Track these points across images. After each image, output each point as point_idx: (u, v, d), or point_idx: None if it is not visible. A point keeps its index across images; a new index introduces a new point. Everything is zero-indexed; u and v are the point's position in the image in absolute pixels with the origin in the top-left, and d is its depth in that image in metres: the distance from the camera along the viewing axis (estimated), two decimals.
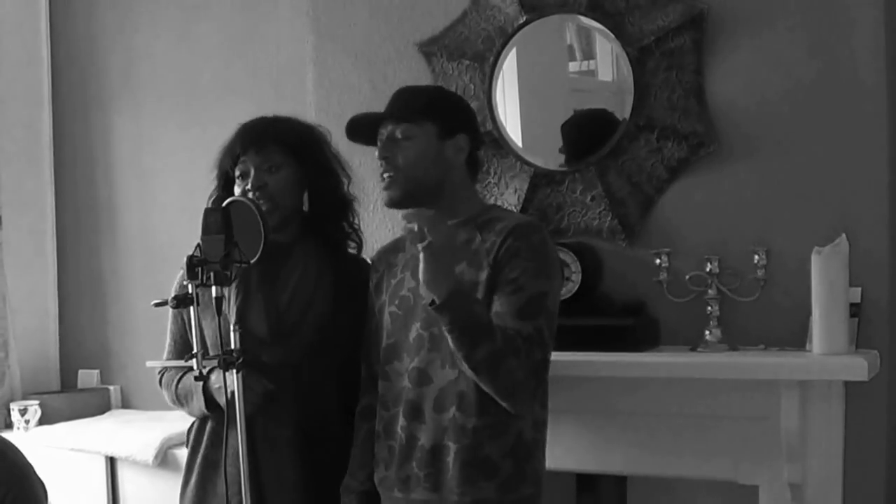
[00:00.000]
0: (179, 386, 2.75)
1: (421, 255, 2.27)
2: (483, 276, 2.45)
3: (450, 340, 2.34)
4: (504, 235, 2.46)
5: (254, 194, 2.67)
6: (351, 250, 2.88)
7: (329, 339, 2.72)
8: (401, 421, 2.52)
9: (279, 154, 2.73)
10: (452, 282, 2.30)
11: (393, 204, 2.56)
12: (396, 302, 2.59)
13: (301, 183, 2.77)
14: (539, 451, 2.55)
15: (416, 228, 2.26)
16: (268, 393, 2.59)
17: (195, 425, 2.82)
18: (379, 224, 3.54)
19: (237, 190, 2.72)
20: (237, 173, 2.74)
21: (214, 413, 2.65)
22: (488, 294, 2.44)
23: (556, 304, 2.49)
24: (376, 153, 2.56)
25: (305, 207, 2.80)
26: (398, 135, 2.53)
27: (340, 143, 2.91)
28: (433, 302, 2.29)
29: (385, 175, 2.53)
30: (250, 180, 2.70)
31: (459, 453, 2.43)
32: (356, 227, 2.89)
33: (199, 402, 2.67)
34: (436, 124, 2.55)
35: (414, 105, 2.59)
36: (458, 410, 2.44)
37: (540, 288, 2.43)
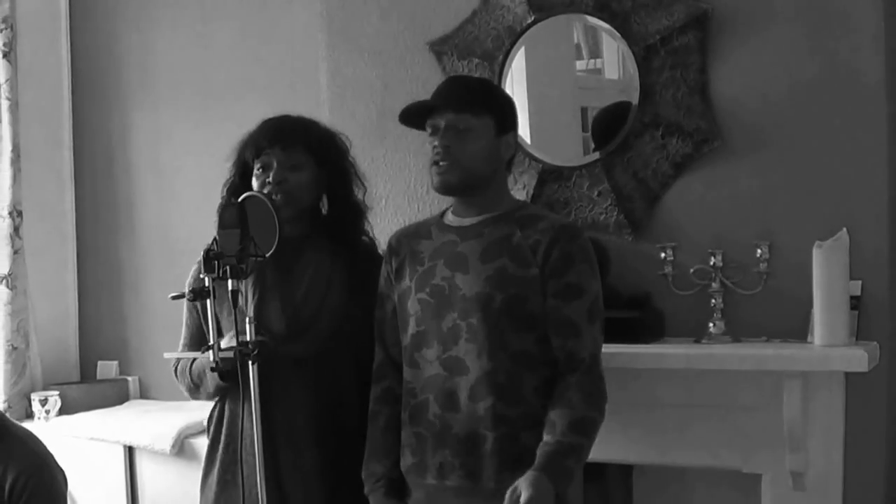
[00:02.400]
0: (193, 368, 2.78)
1: None
2: (531, 272, 2.48)
3: None
4: (551, 237, 2.49)
5: (273, 189, 2.70)
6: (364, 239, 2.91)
7: (345, 330, 2.74)
8: (433, 409, 2.52)
9: (303, 154, 2.75)
10: (553, 494, 2.32)
11: (445, 190, 2.57)
12: (427, 290, 2.57)
13: (318, 185, 2.79)
14: None
15: None
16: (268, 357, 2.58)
17: (214, 416, 2.85)
18: (390, 220, 3.57)
19: (255, 182, 2.74)
20: (258, 165, 2.76)
21: (230, 386, 2.63)
22: (538, 292, 2.48)
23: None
24: (433, 140, 2.55)
25: (324, 210, 2.84)
26: (461, 125, 2.52)
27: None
28: None
29: (442, 162, 2.53)
30: (272, 173, 2.72)
31: (497, 442, 2.45)
32: (369, 234, 2.91)
33: (213, 379, 2.68)
34: (494, 119, 2.56)
35: (475, 97, 2.59)
36: (498, 400, 2.45)
37: (596, 289, 2.52)
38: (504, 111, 2.63)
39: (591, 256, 2.55)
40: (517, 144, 2.65)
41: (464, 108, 2.53)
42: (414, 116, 2.61)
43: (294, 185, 2.73)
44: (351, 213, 2.86)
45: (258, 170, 2.76)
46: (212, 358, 2.46)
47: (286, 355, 2.66)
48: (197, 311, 2.81)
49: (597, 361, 2.52)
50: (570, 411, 2.42)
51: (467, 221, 2.59)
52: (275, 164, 2.73)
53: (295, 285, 2.75)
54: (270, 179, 2.72)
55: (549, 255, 2.47)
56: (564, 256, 2.47)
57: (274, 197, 2.66)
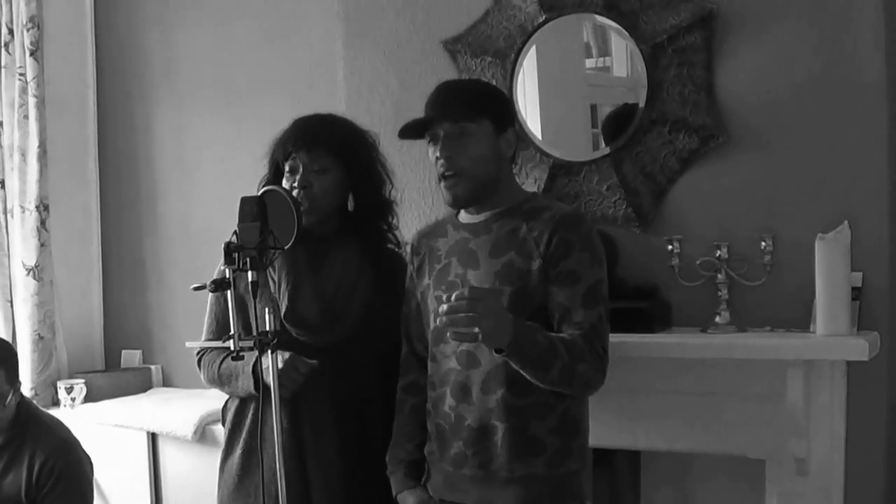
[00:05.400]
0: (223, 366, 2.82)
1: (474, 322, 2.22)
2: (535, 265, 2.47)
3: (522, 372, 2.36)
4: (552, 226, 2.48)
5: (298, 192, 2.74)
6: (390, 245, 2.95)
7: (371, 324, 2.80)
8: (449, 401, 2.56)
9: (328, 157, 2.79)
10: (510, 326, 2.27)
11: (457, 204, 2.57)
12: (443, 287, 2.59)
13: (344, 186, 2.82)
14: (583, 427, 2.59)
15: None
16: (312, 371, 2.66)
17: (234, 406, 2.89)
18: (405, 215, 3.61)
19: (285, 183, 2.78)
20: (287, 167, 2.80)
21: (259, 394, 2.68)
22: (542, 283, 2.46)
23: (607, 289, 2.53)
24: (433, 151, 2.55)
25: (350, 207, 2.87)
26: (458, 131, 2.51)
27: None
28: (499, 350, 2.28)
29: (448, 175, 2.52)
30: (298, 177, 2.77)
31: (507, 433, 2.47)
32: (394, 228, 2.96)
33: (246, 383, 2.73)
34: (491, 120, 2.54)
35: (469, 102, 2.56)
36: (507, 392, 2.47)
37: (596, 276, 2.48)
38: (499, 109, 2.62)
39: (593, 245, 2.52)
40: (518, 138, 2.62)
41: (460, 116, 2.52)
42: (412, 131, 2.61)
43: (319, 190, 2.78)
44: (376, 210, 2.90)
45: (287, 172, 2.81)
46: (232, 347, 2.49)
47: (314, 344, 2.73)
48: (224, 301, 2.82)
49: (590, 340, 2.43)
50: (568, 339, 2.41)
51: (478, 218, 2.61)
52: (301, 168, 2.78)
53: (326, 278, 2.81)
54: (296, 184, 2.77)
55: (549, 245, 2.47)
56: (563, 244, 2.46)
57: (300, 201, 2.71)
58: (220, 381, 2.86)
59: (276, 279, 2.80)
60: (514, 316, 2.32)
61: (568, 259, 2.47)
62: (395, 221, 2.97)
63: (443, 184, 2.56)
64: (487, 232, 2.58)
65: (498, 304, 2.34)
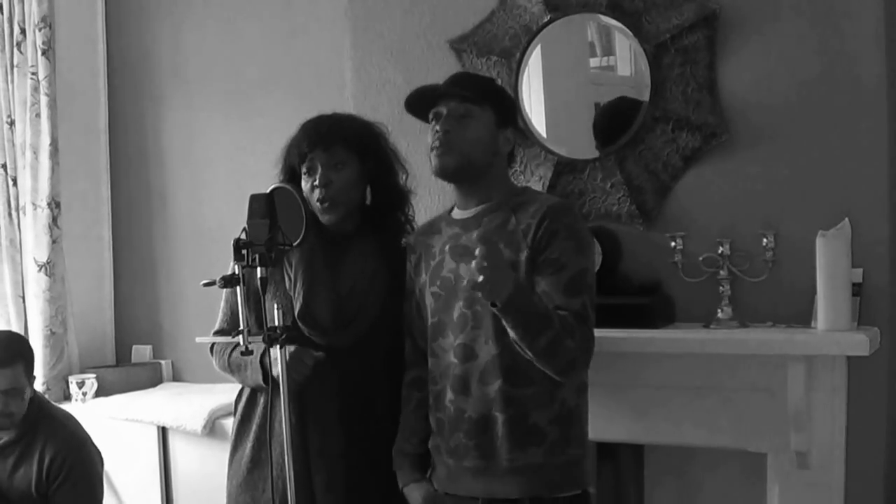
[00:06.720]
0: (232, 355, 2.85)
1: (477, 270, 2.30)
2: (522, 256, 2.51)
3: (512, 334, 2.40)
4: (539, 217, 2.52)
5: (321, 191, 2.77)
6: (405, 241, 2.96)
7: (382, 326, 2.83)
8: (448, 394, 2.61)
9: (344, 152, 2.81)
10: (511, 283, 2.34)
11: (443, 173, 2.62)
12: (438, 283, 2.65)
13: (363, 179, 2.85)
14: (582, 416, 2.62)
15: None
16: (318, 363, 2.68)
17: (245, 397, 2.93)
18: (418, 211, 3.67)
19: (304, 184, 2.81)
20: (304, 169, 2.82)
21: (268, 387, 2.68)
22: (529, 273, 2.50)
23: (594, 278, 2.57)
24: (435, 126, 2.61)
25: (368, 200, 2.90)
26: (462, 112, 2.59)
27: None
28: (495, 304, 2.33)
29: (441, 146, 2.58)
30: (317, 177, 2.78)
31: (507, 422, 2.51)
32: (411, 218, 2.98)
33: (255, 376, 2.76)
34: (495, 112, 2.62)
35: (479, 88, 2.65)
36: (505, 382, 2.51)
37: (580, 265, 2.51)
38: (505, 105, 2.70)
39: (579, 234, 2.56)
40: (523, 135, 2.71)
41: (466, 98, 2.60)
42: (419, 106, 2.67)
43: (340, 185, 2.79)
44: (394, 200, 2.93)
45: (304, 173, 2.83)
46: (241, 342, 2.52)
47: (325, 344, 2.75)
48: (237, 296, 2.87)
49: (579, 322, 2.46)
50: (561, 314, 2.45)
51: (469, 213, 2.66)
52: (319, 167, 2.80)
53: (342, 280, 2.82)
54: (317, 182, 2.79)
55: (535, 236, 2.52)
56: (548, 234, 2.51)
57: (322, 199, 2.75)
58: (230, 369, 2.90)
59: (291, 276, 2.82)
60: (515, 283, 2.38)
61: (552, 247, 2.51)
62: (412, 212, 3.00)
63: (433, 153, 2.62)
64: (478, 226, 2.62)
65: (499, 255, 2.39)
